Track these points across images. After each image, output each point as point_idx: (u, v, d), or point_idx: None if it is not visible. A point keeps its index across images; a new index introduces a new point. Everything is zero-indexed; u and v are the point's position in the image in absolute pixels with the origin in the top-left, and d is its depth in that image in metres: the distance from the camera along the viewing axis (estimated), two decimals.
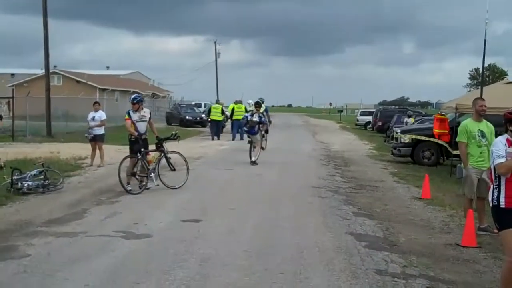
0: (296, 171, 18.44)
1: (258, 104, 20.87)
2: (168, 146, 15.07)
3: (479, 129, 10.27)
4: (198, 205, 12.13)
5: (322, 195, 13.75)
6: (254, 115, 20.34)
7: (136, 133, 14.21)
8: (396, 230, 10.21)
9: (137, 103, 14.39)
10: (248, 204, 12.38)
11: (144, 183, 13.93)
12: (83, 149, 21.72)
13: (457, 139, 10.62)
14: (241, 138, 33.08)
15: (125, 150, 23.48)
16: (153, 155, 14.44)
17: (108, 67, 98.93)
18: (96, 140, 18.95)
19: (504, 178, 6.47)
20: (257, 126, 20.25)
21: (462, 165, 17.11)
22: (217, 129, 34.61)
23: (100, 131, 19.10)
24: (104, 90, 61.92)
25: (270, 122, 26.74)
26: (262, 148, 21.46)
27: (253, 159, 20.01)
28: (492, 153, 6.62)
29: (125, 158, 14.16)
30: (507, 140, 6.61)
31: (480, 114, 10.37)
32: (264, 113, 21.72)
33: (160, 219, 10.61)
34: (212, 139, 33.57)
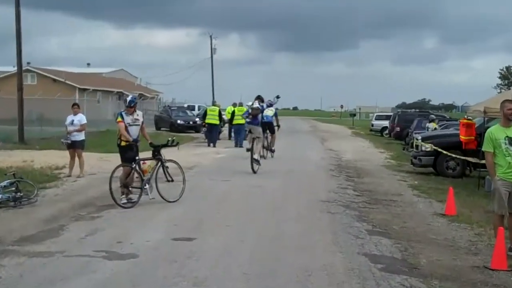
0: (302, 183, 18.44)
1: (259, 98, 22.04)
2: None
3: (507, 136, 10.05)
4: (191, 221, 12.13)
5: (332, 211, 13.74)
6: (254, 103, 21.41)
7: (131, 138, 14.19)
8: (416, 251, 10.19)
9: (134, 107, 14.46)
10: (248, 220, 12.37)
11: (129, 196, 13.94)
12: (60, 157, 21.74)
13: (482, 148, 10.53)
14: (241, 145, 33.26)
15: (108, 158, 23.65)
16: (149, 164, 14.46)
17: (89, 64, 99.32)
18: (75, 147, 18.96)
19: None
20: (259, 116, 21.09)
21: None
22: (214, 134, 34.71)
23: (80, 136, 19.11)
24: (84, 90, 62.02)
25: (278, 126, 27.20)
26: (272, 150, 22.74)
27: (256, 156, 20.60)
28: None
29: (117, 167, 14.15)
30: None
31: (509, 119, 10.21)
32: (265, 106, 22.47)
33: (148, 236, 10.61)
34: (209, 145, 33.77)
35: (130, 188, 14.08)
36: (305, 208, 14.00)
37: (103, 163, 21.96)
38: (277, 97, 24.14)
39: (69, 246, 9.83)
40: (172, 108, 55.48)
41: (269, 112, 25.71)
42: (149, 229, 11.37)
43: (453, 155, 21.02)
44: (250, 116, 21.16)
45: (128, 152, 14.18)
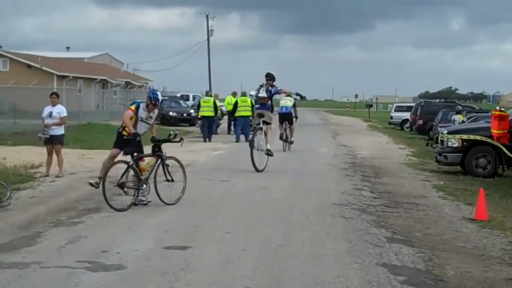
0: (311, 184, 18.46)
1: (269, 76, 22.23)
2: None
3: None
4: (185, 228, 12.14)
5: (346, 215, 13.76)
6: (261, 90, 21.84)
7: (133, 131, 14.33)
8: (442, 261, 10.21)
9: (157, 105, 14.76)
10: (249, 227, 12.39)
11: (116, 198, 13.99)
12: (36, 154, 21.77)
13: None
14: (246, 139, 33.38)
15: (90, 155, 23.70)
16: (147, 162, 14.52)
17: (68, 48, 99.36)
18: (53, 143, 18.95)
19: None
20: (269, 101, 21.84)
21: None
22: (209, 128, 34.84)
23: (59, 131, 19.10)
24: (63, 77, 61.99)
25: (296, 117, 28.56)
26: (291, 141, 24.20)
27: (268, 146, 21.18)
28: None
29: (115, 162, 14.37)
30: None
31: None
32: (276, 87, 22.68)
33: (136, 245, 10.62)
34: (204, 140, 34.12)
35: (125, 189, 14.08)
36: (315, 213, 14.01)
37: (85, 161, 22.02)
38: (300, 96, 25.36)
39: (47, 256, 9.83)
40: (164, 98, 55.42)
41: (288, 102, 28.67)
42: (137, 236, 11.37)
43: (490, 140, 20.88)
44: (257, 106, 22.11)
45: (126, 146, 14.36)
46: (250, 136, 21.64)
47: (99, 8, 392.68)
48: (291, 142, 25.66)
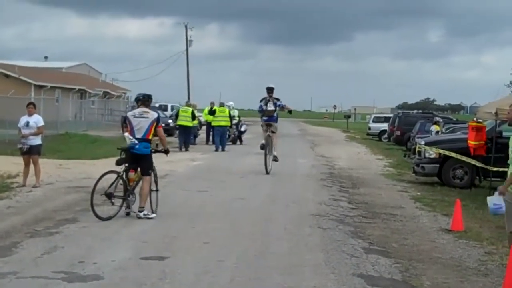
0: (289, 194, 18.48)
1: (270, 90, 24.04)
2: None
3: None
4: (163, 238, 12.11)
5: (324, 226, 13.78)
6: (268, 104, 23.87)
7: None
8: (419, 272, 10.25)
9: (144, 100, 14.95)
10: (228, 237, 12.38)
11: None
12: (13, 164, 21.63)
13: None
14: (223, 149, 33.91)
15: (67, 165, 23.60)
16: (136, 173, 14.51)
17: (46, 58, 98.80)
18: (30, 153, 18.83)
19: None
20: (276, 113, 24.09)
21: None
22: (186, 137, 34.93)
23: (36, 141, 18.97)
24: (41, 87, 61.71)
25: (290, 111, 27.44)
26: (275, 158, 24.01)
27: (275, 153, 23.82)
28: None
29: (105, 174, 14.39)
30: None
31: (509, 124, 10.34)
32: (281, 102, 24.40)
33: (114, 255, 10.59)
34: (180, 149, 34.12)
35: (112, 199, 14.05)
36: (293, 223, 14.03)
37: (62, 171, 21.93)
38: (290, 112, 26.03)
39: (23, 266, 9.78)
40: None
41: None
42: (114, 247, 11.34)
43: (465, 158, 20.99)
44: (265, 115, 24.01)
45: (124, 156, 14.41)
46: (263, 144, 23.90)
47: (79, 17, 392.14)
48: (276, 160, 24.37)
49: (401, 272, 10.14)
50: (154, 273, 9.54)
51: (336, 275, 9.75)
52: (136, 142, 14.13)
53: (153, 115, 14.65)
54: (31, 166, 18.85)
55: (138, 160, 14.34)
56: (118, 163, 14.42)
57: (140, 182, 14.48)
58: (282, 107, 24.57)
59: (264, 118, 24.27)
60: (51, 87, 62.69)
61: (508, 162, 10.30)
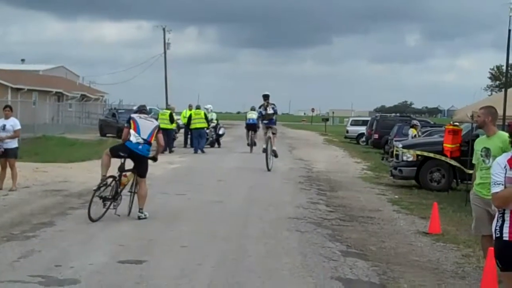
0: (267, 198, 18.48)
1: (266, 97, 26.63)
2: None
3: (484, 147, 10.27)
4: (140, 241, 12.08)
5: (302, 229, 13.79)
6: (268, 108, 26.38)
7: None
8: (397, 274, 10.27)
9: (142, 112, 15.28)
10: (205, 241, 12.36)
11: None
12: None
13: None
14: (202, 151, 34.29)
15: (44, 168, 23.47)
16: (128, 177, 14.69)
17: (23, 60, 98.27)
18: (7, 156, 18.71)
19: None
20: (274, 117, 26.74)
21: None
22: (166, 140, 34.98)
23: (13, 144, 18.85)
24: (18, 90, 61.36)
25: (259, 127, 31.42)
26: (275, 153, 26.78)
27: (274, 148, 26.35)
28: (491, 178, 6.64)
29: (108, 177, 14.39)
30: (509, 160, 6.57)
31: (479, 127, 10.50)
32: (276, 107, 27.15)
33: (91, 259, 10.54)
34: (170, 151, 34.51)
35: (105, 202, 14.14)
36: (271, 226, 14.03)
37: (39, 175, 21.81)
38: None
39: (0, 270, 9.74)
40: (119, 111, 55.15)
41: (253, 115, 35.52)
42: (91, 250, 11.29)
43: (443, 158, 21.11)
44: (265, 119, 26.53)
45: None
46: (264, 148, 26.46)
47: (58, 21, 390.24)
48: (276, 155, 26.95)
49: (379, 275, 10.16)
50: (132, 277, 9.51)
51: (314, 278, 9.76)
52: (141, 141, 14.37)
53: (156, 122, 15.24)
54: (8, 170, 18.73)
55: (137, 161, 14.55)
56: (120, 169, 14.57)
57: (131, 184, 14.77)
58: (276, 112, 27.13)
59: (265, 122, 26.76)
60: (28, 90, 62.35)
61: (473, 162, 10.50)
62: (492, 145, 10.15)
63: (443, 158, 21.28)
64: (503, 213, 6.53)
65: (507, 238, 6.47)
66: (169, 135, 35.86)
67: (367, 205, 17.75)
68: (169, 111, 36.72)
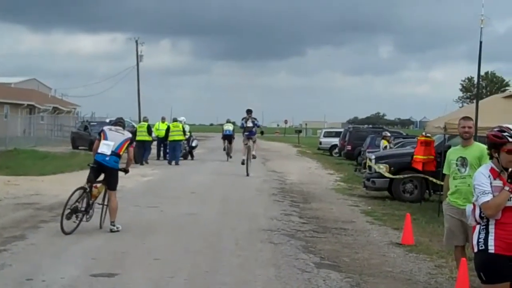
0: (240, 210, 18.45)
1: (249, 111, 30.12)
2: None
3: (460, 156, 10.37)
4: (112, 254, 12.01)
5: (275, 241, 13.78)
6: (248, 121, 29.70)
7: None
8: (370, 286, 10.29)
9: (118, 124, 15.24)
10: (178, 253, 12.32)
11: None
12: None
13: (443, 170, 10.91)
14: (177, 163, 35.73)
15: (16, 181, 23.29)
16: (98, 189, 14.61)
17: None
18: None
19: (493, 218, 6.56)
20: (254, 129, 30.09)
21: None
22: (144, 151, 35.54)
23: None
24: None
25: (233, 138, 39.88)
26: (230, 156, 34.43)
27: (254, 152, 29.98)
28: (474, 189, 6.68)
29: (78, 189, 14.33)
30: (491, 170, 6.63)
31: (464, 138, 10.58)
32: (257, 121, 30.86)
33: (63, 273, 10.46)
34: (142, 163, 34.89)
35: (77, 214, 14.07)
36: (244, 238, 14.01)
37: (11, 188, 21.64)
38: (261, 133, 32.87)
39: None
40: (92, 123, 54.88)
41: (230, 127, 40.79)
42: (63, 264, 11.21)
43: (412, 175, 21.29)
44: (247, 130, 29.84)
45: (93, 173, 14.57)
46: (244, 159, 29.77)
47: (32, 33, 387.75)
48: (254, 157, 30.63)
49: (352, 287, 10.17)
50: None
51: None
52: (108, 153, 14.30)
53: (127, 134, 14.98)
54: None
55: (106, 173, 14.49)
56: (89, 179, 14.47)
57: (103, 197, 14.72)
58: (257, 125, 30.68)
59: (246, 133, 29.99)
60: (0, 102, 61.99)
61: (445, 172, 10.58)
62: (469, 154, 10.25)
63: (415, 175, 21.38)
64: (487, 225, 6.56)
65: (492, 251, 6.49)
66: (147, 147, 36.34)
67: (340, 217, 17.77)
68: (146, 124, 37.60)
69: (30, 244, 12.82)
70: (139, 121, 55.56)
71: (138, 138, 35.71)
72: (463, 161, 10.24)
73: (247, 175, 28.99)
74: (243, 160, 30.00)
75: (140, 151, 35.43)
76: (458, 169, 10.26)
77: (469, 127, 10.56)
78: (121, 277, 10.28)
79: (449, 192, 10.41)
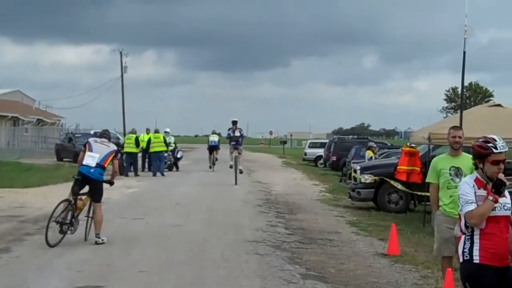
0: (226, 221, 18.43)
1: (235, 122, 31.54)
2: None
3: (453, 166, 10.40)
4: (97, 267, 11.98)
5: (261, 252, 13.77)
6: (235, 131, 31.26)
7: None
8: None
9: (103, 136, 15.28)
10: (163, 265, 12.30)
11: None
12: None
13: (426, 179, 10.89)
14: (162, 174, 36.03)
15: (1, 193, 23.19)
16: (83, 201, 14.60)
17: None
18: None
19: (478, 228, 6.61)
20: (240, 139, 31.55)
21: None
22: (132, 163, 36.61)
23: None
24: None
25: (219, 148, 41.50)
26: (214, 164, 36.36)
27: (240, 167, 31.23)
28: (459, 199, 6.73)
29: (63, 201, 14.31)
30: (476, 180, 6.71)
31: (454, 148, 10.61)
32: (242, 132, 32.47)
33: (48, 285, 10.44)
34: (126, 175, 34.89)
35: (64, 227, 14.06)
36: (229, 250, 13.99)
37: None
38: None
39: None
40: (76, 135, 54.68)
41: (215, 138, 41.61)
42: (48, 276, 11.17)
43: (396, 185, 21.32)
44: (233, 140, 31.23)
45: (76, 185, 14.53)
46: (231, 164, 31.16)
47: (14, 45, 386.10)
48: (241, 172, 31.60)
49: None
50: None
51: None
52: (93, 165, 14.32)
53: (113, 146, 15.03)
54: None
55: (90, 185, 14.50)
56: (73, 191, 14.46)
57: (88, 209, 14.65)
58: (242, 136, 32.28)
59: (232, 142, 31.36)
60: None
61: (431, 180, 10.57)
62: (463, 164, 10.25)
63: (399, 186, 21.39)
64: (472, 235, 6.60)
65: (477, 261, 6.52)
66: (134, 159, 36.51)
67: (326, 227, 17.78)
68: (134, 135, 37.80)
69: (14, 257, 12.77)
70: (124, 133, 55.59)
71: (126, 150, 36.22)
72: (457, 171, 10.27)
73: (235, 184, 30.15)
74: (231, 164, 31.44)
75: (128, 163, 36.26)
76: (452, 179, 10.27)
77: (459, 137, 10.59)
78: None
79: (443, 203, 10.39)
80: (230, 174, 31.65)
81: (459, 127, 11.12)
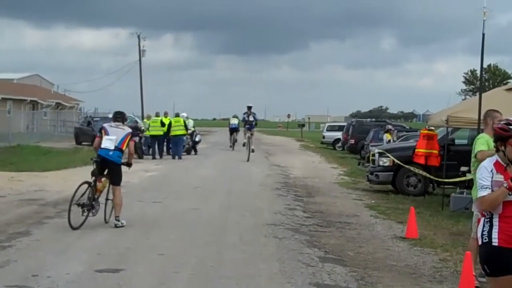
0: (244, 205, 18.45)
1: (249, 107, 37.26)
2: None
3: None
4: (117, 250, 12.03)
5: (279, 235, 13.78)
6: (250, 116, 36.83)
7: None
8: (374, 280, 10.29)
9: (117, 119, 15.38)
10: (183, 248, 12.33)
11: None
12: None
13: (477, 149, 10.52)
14: (180, 157, 36.36)
15: (19, 177, 23.32)
16: (102, 183, 14.63)
17: None
18: None
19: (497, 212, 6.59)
20: (254, 123, 36.94)
21: (457, 194, 17.33)
22: (158, 146, 37.39)
23: None
24: None
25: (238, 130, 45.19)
26: (253, 150, 35.88)
27: (253, 147, 35.81)
28: (477, 183, 6.71)
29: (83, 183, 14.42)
30: (496, 163, 6.67)
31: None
32: (256, 116, 38.17)
33: (68, 268, 10.48)
34: (153, 158, 36.22)
35: (84, 208, 14.17)
36: (248, 233, 14.02)
37: (14, 184, 21.66)
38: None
39: None
40: (95, 119, 54.89)
41: (235, 121, 45.54)
42: (68, 259, 11.22)
43: (414, 169, 21.22)
44: (248, 123, 36.81)
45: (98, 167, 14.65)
46: (245, 142, 36.34)
47: (34, 29, 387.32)
48: (253, 151, 35.86)
49: (357, 281, 10.18)
50: (109, 285, 9.47)
51: (292, 285, 9.76)
52: (111, 147, 14.40)
53: (128, 129, 15.17)
54: None
55: (109, 168, 14.56)
56: (94, 174, 14.55)
57: (107, 192, 14.74)
58: (257, 119, 38.11)
59: (247, 126, 36.76)
60: (2, 98, 62.09)
61: (480, 148, 10.31)
62: None
63: (416, 170, 21.22)
64: (491, 218, 6.59)
65: (496, 244, 6.51)
66: (160, 142, 37.52)
67: (344, 211, 17.77)
68: (159, 118, 38.08)
69: (35, 240, 12.84)
70: (142, 116, 55.62)
71: (151, 133, 37.01)
72: None
73: (248, 160, 34.03)
74: (244, 142, 36.94)
75: (153, 146, 37.20)
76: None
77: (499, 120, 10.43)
78: (125, 272, 10.29)
79: None
80: (245, 153, 32.37)
81: (499, 112, 10.86)
